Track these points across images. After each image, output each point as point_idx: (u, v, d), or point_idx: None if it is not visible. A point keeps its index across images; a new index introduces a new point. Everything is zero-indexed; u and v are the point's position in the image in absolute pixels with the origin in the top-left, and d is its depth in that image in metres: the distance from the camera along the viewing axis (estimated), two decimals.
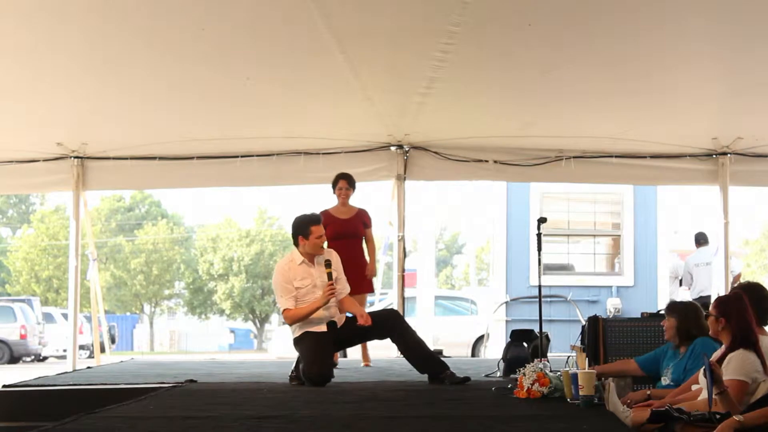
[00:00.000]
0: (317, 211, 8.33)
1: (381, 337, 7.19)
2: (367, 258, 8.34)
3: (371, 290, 8.53)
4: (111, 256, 42.18)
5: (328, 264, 6.63)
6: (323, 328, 6.64)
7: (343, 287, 6.83)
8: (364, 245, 8.37)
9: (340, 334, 6.72)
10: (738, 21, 6.12)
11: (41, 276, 40.07)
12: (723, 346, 4.54)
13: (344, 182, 8.32)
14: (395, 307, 9.44)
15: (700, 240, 12.07)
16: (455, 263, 55.29)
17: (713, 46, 6.71)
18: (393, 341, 6.92)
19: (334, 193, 8.36)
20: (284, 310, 6.62)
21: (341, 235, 8.16)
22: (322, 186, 8.94)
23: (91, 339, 13.40)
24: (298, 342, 6.67)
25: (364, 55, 6.80)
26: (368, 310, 8.43)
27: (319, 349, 6.54)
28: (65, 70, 7.09)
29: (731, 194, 9.66)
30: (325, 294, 6.56)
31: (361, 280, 8.18)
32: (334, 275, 6.63)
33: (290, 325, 6.66)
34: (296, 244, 6.77)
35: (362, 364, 8.53)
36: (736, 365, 4.31)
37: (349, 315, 6.83)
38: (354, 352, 9.08)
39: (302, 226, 6.74)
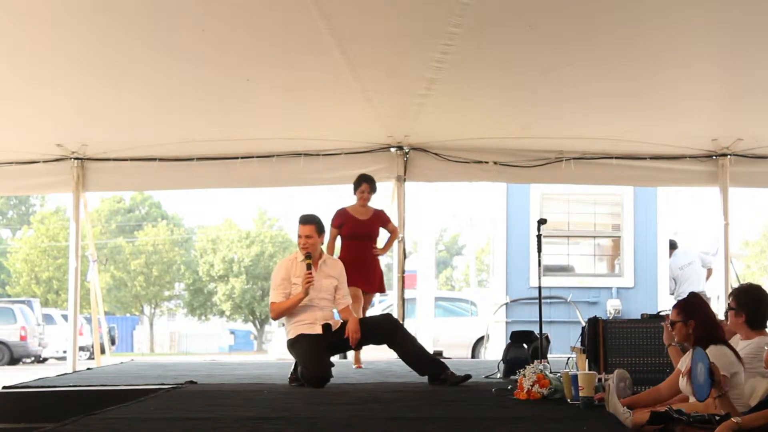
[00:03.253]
0: (337, 209, 8.40)
1: (377, 342, 7.21)
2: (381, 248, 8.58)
3: (382, 290, 8.59)
4: (111, 257, 42.19)
5: (308, 256, 6.65)
6: (318, 329, 6.64)
7: (344, 297, 6.86)
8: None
9: (335, 338, 6.71)
10: (738, 22, 6.12)
11: (41, 277, 40.09)
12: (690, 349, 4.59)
13: (367, 186, 8.38)
14: (395, 308, 9.45)
15: (672, 245, 12.37)
16: (455, 264, 55.32)
17: (713, 47, 6.71)
18: (390, 347, 6.92)
19: (355, 194, 8.40)
20: (271, 303, 6.71)
21: (358, 236, 8.28)
22: (322, 187, 8.97)
23: (91, 340, 13.40)
24: (292, 344, 6.67)
25: (364, 56, 6.80)
26: (368, 312, 8.44)
27: (314, 350, 6.55)
28: (65, 71, 7.09)
29: (731, 195, 9.66)
30: (303, 284, 6.58)
31: (373, 280, 8.34)
32: (314, 267, 6.68)
33: (274, 319, 6.78)
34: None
35: (354, 366, 8.58)
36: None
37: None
38: (351, 355, 9.09)
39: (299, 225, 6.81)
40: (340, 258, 8.11)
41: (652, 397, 4.67)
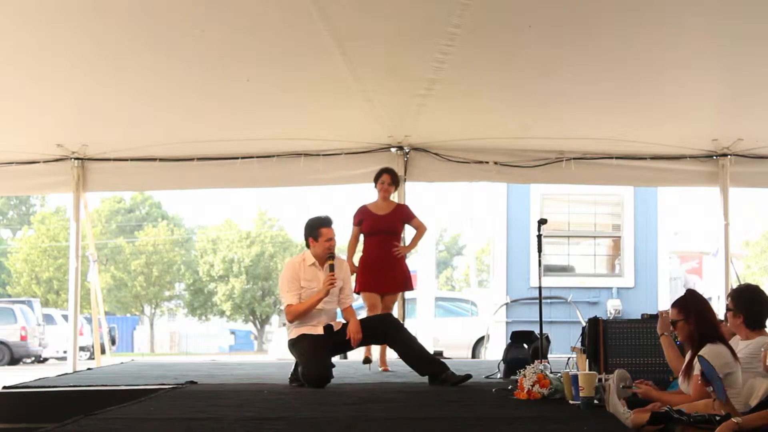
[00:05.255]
0: (359, 205, 8.27)
1: (377, 342, 7.19)
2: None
3: (409, 288, 8.35)
4: (111, 257, 42.19)
5: (330, 256, 6.64)
6: (320, 330, 6.64)
7: (347, 296, 6.86)
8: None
9: (336, 338, 6.71)
10: (739, 21, 6.12)
11: (42, 277, 40.08)
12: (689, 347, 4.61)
13: (388, 176, 8.18)
14: (396, 308, 9.43)
15: None
16: (455, 265, 55.33)
17: (714, 47, 6.71)
18: (390, 347, 6.92)
19: (376, 187, 8.23)
20: (287, 305, 6.61)
21: (377, 231, 8.06)
22: (322, 187, 8.96)
23: (92, 340, 13.40)
24: (294, 344, 6.67)
25: (364, 56, 6.80)
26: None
27: (315, 350, 6.55)
28: (66, 71, 7.09)
29: (731, 195, 9.66)
30: (325, 284, 6.57)
31: (397, 278, 8.10)
32: (336, 268, 6.67)
33: (290, 321, 6.65)
34: (308, 245, 6.79)
35: (380, 369, 8.32)
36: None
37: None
38: (354, 355, 9.06)
39: (312, 229, 6.76)
40: (361, 257, 8.07)
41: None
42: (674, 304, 4.75)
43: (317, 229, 6.72)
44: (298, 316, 6.60)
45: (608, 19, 6.13)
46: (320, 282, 6.66)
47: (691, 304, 4.65)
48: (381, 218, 8.13)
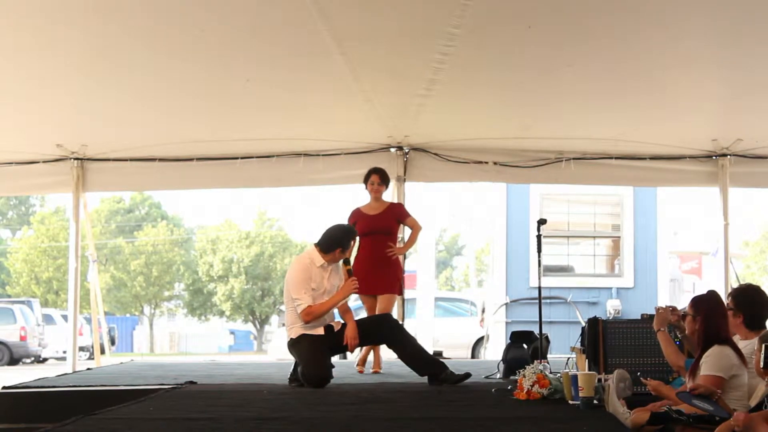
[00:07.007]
0: (352, 209, 8.17)
1: (376, 343, 7.16)
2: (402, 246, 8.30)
3: (399, 292, 8.09)
4: (111, 257, 42.19)
5: (347, 261, 6.73)
6: (320, 330, 6.65)
7: None
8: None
9: (335, 338, 6.71)
10: (738, 21, 6.12)
11: (41, 277, 40.09)
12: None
13: (376, 177, 8.01)
14: (395, 308, 9.42)
15: None
16: (455, 265, 55.33)
17: (714, 47, 6.71)
18: (389, 347, 6.91)
19: (366, 188, 8.08)
20: (308, 307, 6.53)
21: (371, 232, 7.89)
22: (322, 187, 8.94)
23: (91, 340, 13.38)
24: (294, 344, 6.67)
25: (364, 56, 6.80)
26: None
27: (316, 351, 6.56)
28: (65, 71, 7.09)
29: (731, 195, 9.66)
30: (349, 287, 6.64)
31: (390, 280, 7.92)
32: (326, 271, 6.72)
33: (307, 323, 6.59)
34: (327, 251, 6.72)
35: (371, 371, 8.16)
36: (712, 361, 4.41)
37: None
38: (354, 355, 9.04)
39: (349, 236, 6.87)
40: (356, 257, 8.00)
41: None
42: (692, 299, 4.83)
43: (353, 237, 6.90)
44: (317, 316, 6.60)
45: (608, 19, 6.13)
46: (325, 285, 6.68)
47: (704, 303, 4.70)
48: (374, 218, 7.97)
